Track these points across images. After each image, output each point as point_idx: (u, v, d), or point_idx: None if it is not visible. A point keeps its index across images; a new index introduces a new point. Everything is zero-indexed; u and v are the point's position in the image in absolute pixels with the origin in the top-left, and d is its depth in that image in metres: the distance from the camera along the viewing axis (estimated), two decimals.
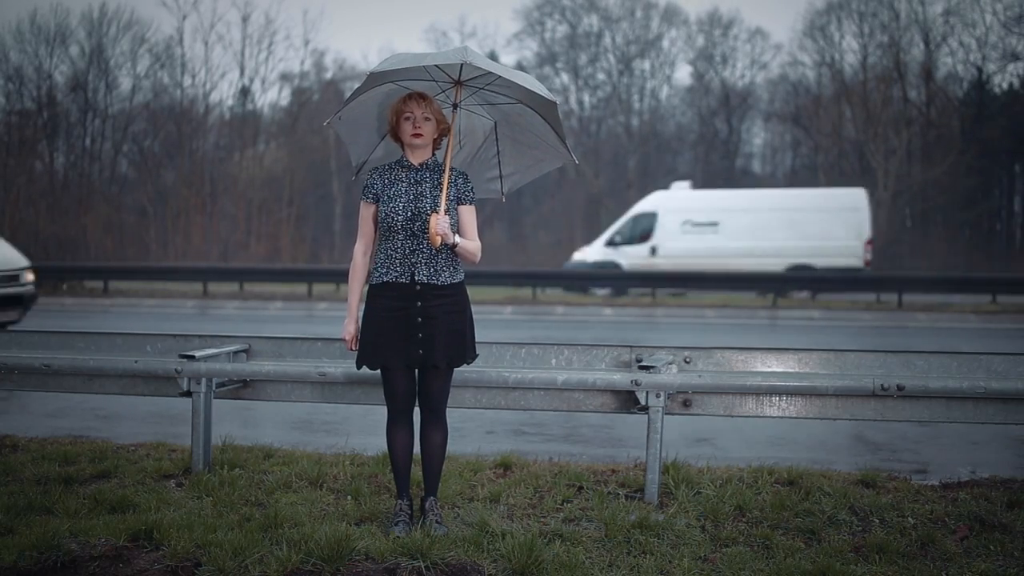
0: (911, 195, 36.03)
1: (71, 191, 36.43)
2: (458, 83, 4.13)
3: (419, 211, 4.01)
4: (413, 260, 4.03)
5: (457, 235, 4.06)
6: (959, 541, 4.11)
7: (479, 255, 4.15)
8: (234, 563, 3.63)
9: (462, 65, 3.93)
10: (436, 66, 4.00)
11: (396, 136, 4.12)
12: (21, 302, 11.62)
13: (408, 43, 49.49)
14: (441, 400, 4.16)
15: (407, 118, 4.04)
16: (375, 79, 3.99)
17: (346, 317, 4.21)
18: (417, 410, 4.22)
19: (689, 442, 6.60)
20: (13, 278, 11.49)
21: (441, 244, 3.95)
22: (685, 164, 43.90)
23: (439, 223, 3.91)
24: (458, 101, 4.17)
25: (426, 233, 3.98)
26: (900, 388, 4.53)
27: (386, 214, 4.04)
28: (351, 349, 4.20)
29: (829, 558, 3.81)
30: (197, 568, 3.64)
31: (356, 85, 4.07)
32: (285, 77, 42.34)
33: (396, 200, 4.04)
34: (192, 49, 69.46)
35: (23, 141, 35.65)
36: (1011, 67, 36.68)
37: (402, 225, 4.01)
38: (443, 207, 3.96)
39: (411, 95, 4.06)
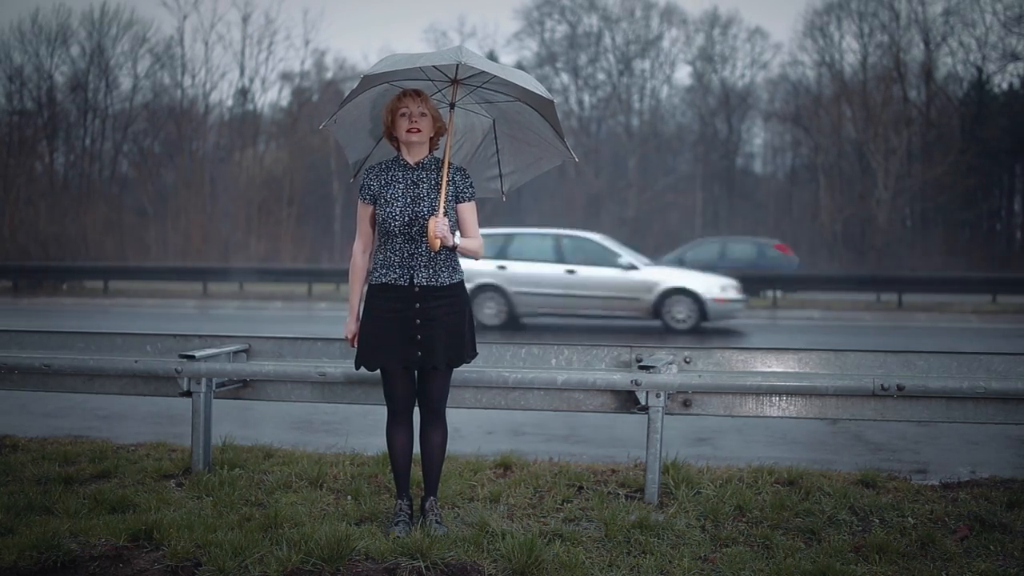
0: (911, 195, 36.00)
1: (71, 191, 36.42)
2: (455, 82, 4.09)
3: (417, 215, 3.97)
4: (412, 263, 4.00)
5: (457, 235, 4.05)
6: (959, 541, 4.11)
7: (481, 252, 4.16)
8: (234, 563, 3.63)
9: (458, 64, 3.88)
10: (432, 66, 3.97)
11: (391, 135, 4.06)
12: None
13: (408, 43, 49.50)
14: (441, 400, 4.16)
15: (403, 114, 3.98)
16: (369, 81, 3.95)
17: (348, 316, 4.21)
18: (417, 410, 4.22)
19: (689, 442, 6.59)
20: None
21: (441, 247, 3.94)
22: (685, 164, 43.89)
23: (438, 226, 3.88)
24: (455, 100, 4.11)
25: (424, 237, 3.96)
26: (900, 388, 4.53)
27: (383, 218, 4.00)
28: (352, 347, 4.20)
29: (829, 558, 3.81)
30: (197, 568, 3.64)
31: (355, 86, 4.04)
32: (285, 77, 42.37)
33: (393, 203, 3.99)
34: (192, 49, 69.64)
35: (23, 141, 35.63)
36: (1011, 67, 36.72)
37: (400, 229, 3.98)
38: (441, 209, 3.94)
39: (406, 92, 4.00)
